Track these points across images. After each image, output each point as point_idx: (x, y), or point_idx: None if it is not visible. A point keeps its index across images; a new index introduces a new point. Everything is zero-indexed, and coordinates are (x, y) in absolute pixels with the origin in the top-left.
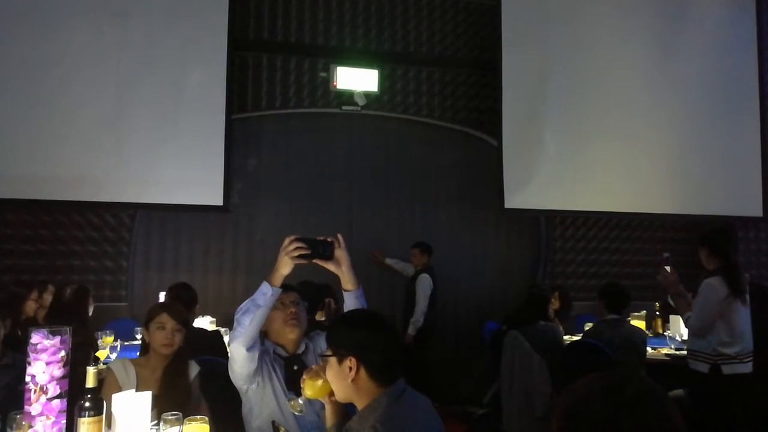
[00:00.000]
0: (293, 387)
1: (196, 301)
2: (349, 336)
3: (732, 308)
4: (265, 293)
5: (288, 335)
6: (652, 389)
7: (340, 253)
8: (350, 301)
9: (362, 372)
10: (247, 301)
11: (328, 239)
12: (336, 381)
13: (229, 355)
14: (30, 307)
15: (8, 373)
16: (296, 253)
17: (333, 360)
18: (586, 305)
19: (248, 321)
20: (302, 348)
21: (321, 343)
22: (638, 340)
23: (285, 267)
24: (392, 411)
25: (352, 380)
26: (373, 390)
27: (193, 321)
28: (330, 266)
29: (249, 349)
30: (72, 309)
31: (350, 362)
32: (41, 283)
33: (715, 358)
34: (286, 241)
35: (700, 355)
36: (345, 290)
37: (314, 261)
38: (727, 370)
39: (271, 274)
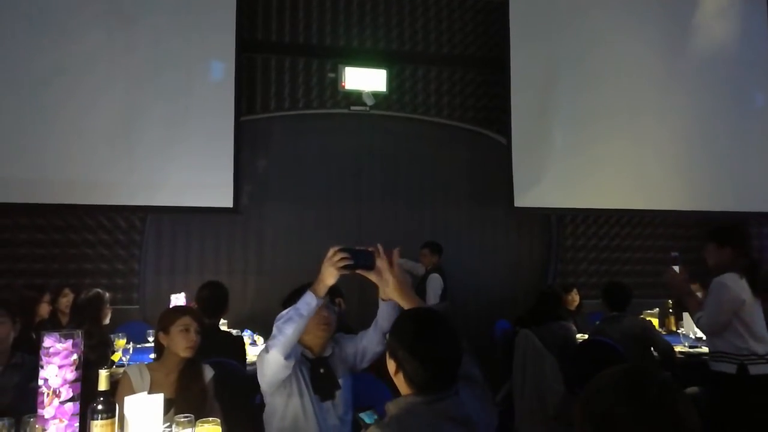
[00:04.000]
0: (319, 390)
1: (228, 298)
2: (393, 340)
3: (746, 307)
4: (310, 303)
5: (317, 338)
6: (670, 384)
7: (381, 262)
8: (387, 309)
9: (400, 375)
10: (289, 309)
11: (369, 249)
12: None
13: (260, 360)
14: (44, 309)
15: (18, 372)
16: (342, 264)
17: None
18: (598, 303)
19: (291, 330)
20: (329, 351)
21: (347, 347)
22: (637, 330)
23: (330, 278)
24: (415, 410)
25: (394, 375)
26: (407, 391)
27: (219, 320)
28: (372, 276)
29: (287, 357)
30: (88, 312)
31: (393, 361)
32: (57, 287)
33: (741, 358)
34: (331, 251)
35: (724, 356)
36: (382, 299)
37: (357, 271)
38: (753, 370)
39: (316, 285)
